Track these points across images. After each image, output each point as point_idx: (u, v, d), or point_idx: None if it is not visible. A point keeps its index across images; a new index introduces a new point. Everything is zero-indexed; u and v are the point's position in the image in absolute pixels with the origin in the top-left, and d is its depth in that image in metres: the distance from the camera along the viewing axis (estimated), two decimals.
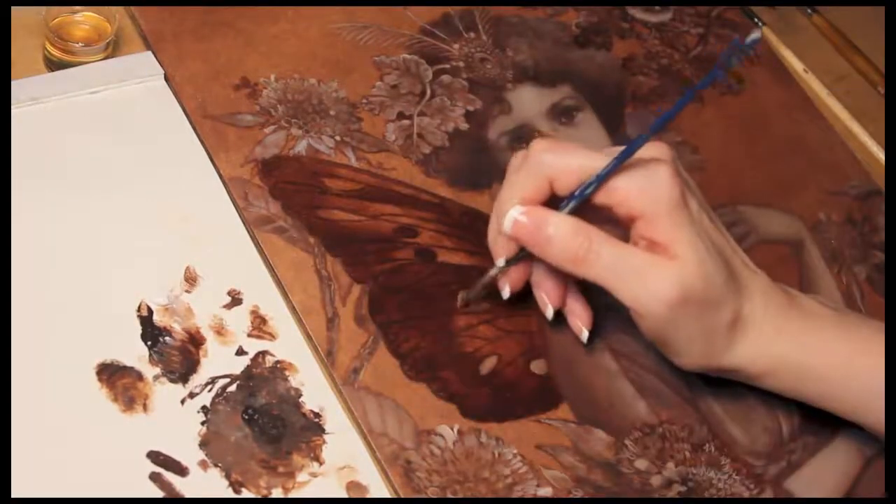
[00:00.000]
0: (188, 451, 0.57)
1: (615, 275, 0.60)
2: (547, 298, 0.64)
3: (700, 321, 0.60)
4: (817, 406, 0.63)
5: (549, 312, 0.64)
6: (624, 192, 0.60)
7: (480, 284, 0.64)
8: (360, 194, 0.69)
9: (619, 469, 0.62)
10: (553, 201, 0.62)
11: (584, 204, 0.61)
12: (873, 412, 0.61)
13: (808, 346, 0.62)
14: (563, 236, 0.60)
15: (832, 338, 0.62)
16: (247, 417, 0.59)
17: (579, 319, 0.65)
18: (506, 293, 0.64)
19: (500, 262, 0.63)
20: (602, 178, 0.60)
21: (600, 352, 0.66)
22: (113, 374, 0.59)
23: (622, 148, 0.60)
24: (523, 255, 0.63)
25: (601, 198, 0.60)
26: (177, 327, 0.61)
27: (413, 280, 0.66)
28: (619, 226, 0.61)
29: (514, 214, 0.61)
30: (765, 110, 0.82)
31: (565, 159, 0.61)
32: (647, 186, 0.60)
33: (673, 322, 0.60)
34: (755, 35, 0.58)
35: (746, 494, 0.63)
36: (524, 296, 0.66)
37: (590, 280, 0.60)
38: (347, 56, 0.75)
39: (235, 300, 0.63)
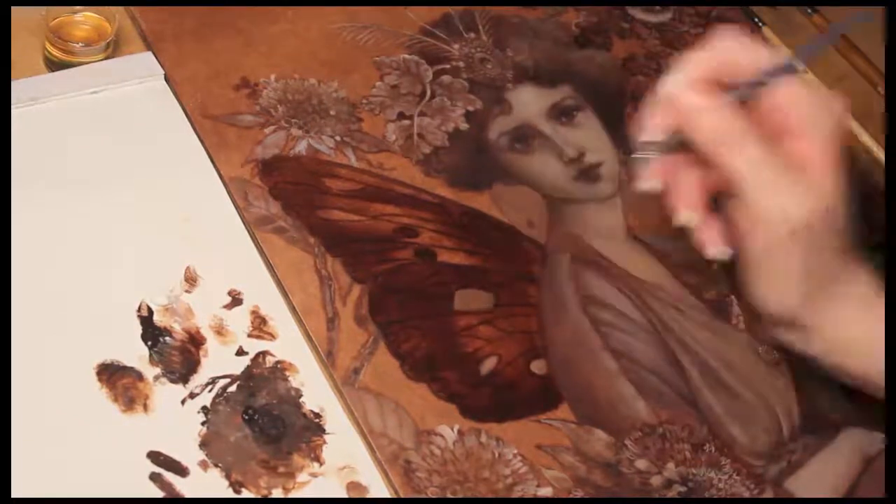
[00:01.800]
0: (188, 452, 0.57)
1: (754, 173, 0.56)
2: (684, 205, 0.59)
3: (811, 256, 0.57)
4: (863, 388, 0.61)
5: (684, 217, 0.59)
6: (792, 102, 0.57)
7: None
8: (361, 194, 0.69)
9: (619, 469, 0.62)
10: None
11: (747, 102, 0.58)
12: None
13: (875, 328, 0.59)
14: (719, 118, 0.56)
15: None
16: (247, 418, 0.59)
17: (718, 234, 0.60)
18: (651, 185, 0.59)
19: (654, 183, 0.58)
20: (776, 75, 0.57)
21: (600, 352, 0.66)
22: (113, 375, 0.59)
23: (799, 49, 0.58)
24: (669, 143, 0.58)
25: (766, 101, 0.57)
26: (177, 327, 0.61)
27: (413, 280, 0.66)
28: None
29: (679, 78, 0.58)
30: None
31: (743, 50, 0.58)
32: (816, 106, 0.57)
33: (785, 247, 0.57)
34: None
35: (746, 494, 0.63)
36: (524, 296, 0.66)
37: (730, 173, 0.56)
38: (347, 56, 0.75)
39: (236, 300, 0.63)
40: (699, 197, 0.59)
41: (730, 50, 0.58)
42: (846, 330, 0.60)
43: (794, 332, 0.61)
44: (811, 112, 0.57)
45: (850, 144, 0.61)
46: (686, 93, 0.57)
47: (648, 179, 0.59)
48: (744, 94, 0.57)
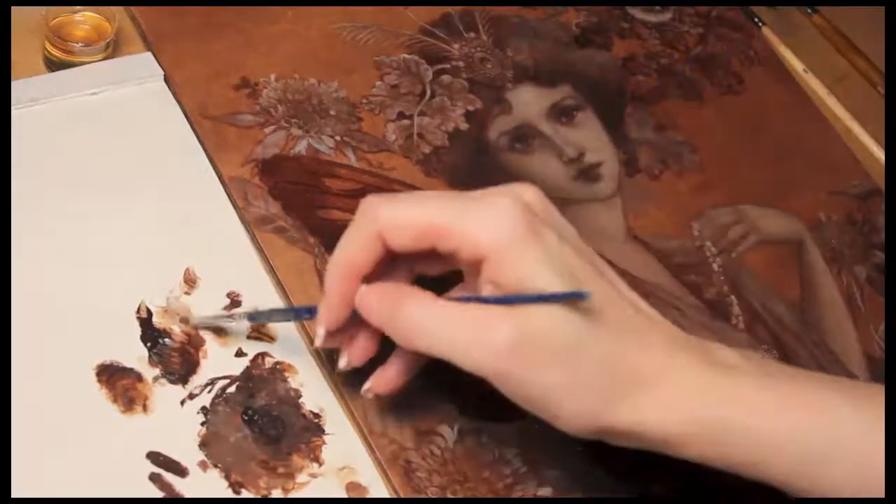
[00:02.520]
0: (188, 452, 0.58)
1: (439, 337, 0.51)
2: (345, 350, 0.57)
3: (561, 370, 0.50)
4: (751, 476, 0.53)
5: (342, 363, 0.57)
6: (462, 233, 0.52)
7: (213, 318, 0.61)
8: (361, 194, 0.69)
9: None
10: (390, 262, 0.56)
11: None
12: (822, 476, 0.52)
13: (732, 401, 0.51)
14: (370, 301, 0.54)
15: (760, 388, 0.52)
16: (246, 418, 0.59)
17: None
18: (342, 364, 0.58)
19: (320, 335, 0.56)
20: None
21: None
22: (113, 375, 0.59)
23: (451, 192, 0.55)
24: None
25: (446, 245, 0.52)
26: (176, 329, 0.61)
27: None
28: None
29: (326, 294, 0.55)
30: (765, 110, 0.82)
31: (394, 212, 0.54)
32: (485, 221, 0.51)
33: (522, 377, 0.51)
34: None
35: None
36: None
37: (425, 353, 0.53)
38: (347, 56, 0.75)
39: (235, 302, 0.63)
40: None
41: (380, 218, 0.54)
42: (676, 420, 0.52)
43: (627, 441, 0.53)
44: (481, 234, 0.52)
45: None
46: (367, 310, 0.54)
47: (342, 360, 0.57)
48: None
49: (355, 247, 0.55)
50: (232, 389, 0.60)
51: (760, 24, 0.87)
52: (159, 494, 0.56)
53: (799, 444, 0.51)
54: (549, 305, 0.50)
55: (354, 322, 0.56)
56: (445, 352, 0.52)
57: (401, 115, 0.73)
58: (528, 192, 0.54)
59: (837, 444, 0.51)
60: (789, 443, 0.51)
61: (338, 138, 0.71)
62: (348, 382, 0.61)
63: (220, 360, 0.61)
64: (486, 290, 0.52)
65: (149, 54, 0.71)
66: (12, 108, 0.66)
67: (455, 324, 0.51)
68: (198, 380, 0.60)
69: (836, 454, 0.51)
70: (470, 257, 0.52)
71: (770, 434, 0.51)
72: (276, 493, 0.57)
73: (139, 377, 0.59)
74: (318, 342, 0.56)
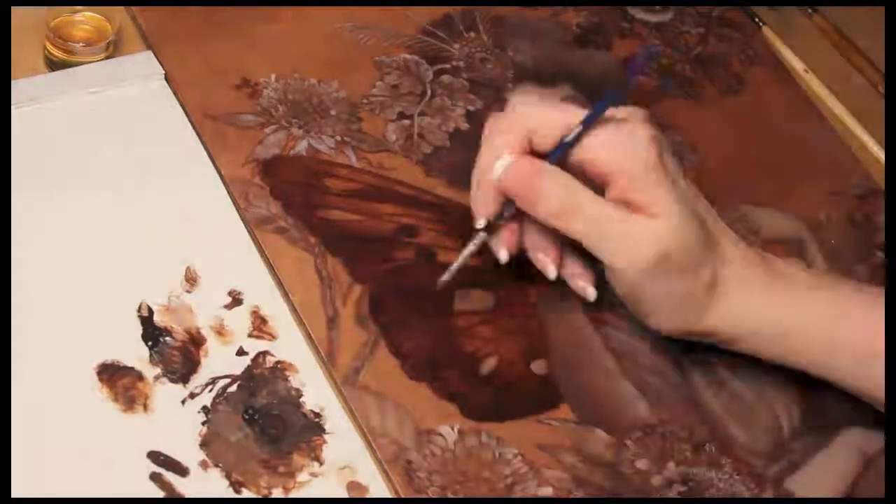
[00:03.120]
0: (188, 452, 0.57)
1: (597, 231, 0.59)
2: (545, 257, 0.63)
3: (676, 282, 0.60)
4: (798, 367, 0.63)
5: (551, 272, 0.63)
6: (601, 149, 0.60)
7: (462, 256, 0.63)
8: (361, 194, 0.69)
9: (619, 469, 0.62)
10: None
11: (561, 161, 0.60)
12: (854, 376, 0.62)
13: (786, 307, 0.61)
14: (552, 187, 0.60)
15: (809, 299, 0.62)
16: (247, 417, 0.59)
17: (581, 279, 0.64)
18: (503, 256, 0.63)
19: (481, 222, 0.62)
20: (584, 129, 0.59)
21: (600, 352, 0.66)
22: (113, 374, 0.59)
23: (598, 103, 0.60)
24: (505, 216, 0.62)
25: (579, 154, 0.60)
26: (177, 327, 0.61)
27: (413, 280, 0.66)
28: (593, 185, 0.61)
29: (503, 163, 0.61)
30: (765, 110, 0.82)
31: (545, 114, 0.61)
32: (625, 144, 0.60)
33: (649, 282, 0.60)
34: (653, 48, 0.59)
35: (746, 494, 0.63)
36: (524, 296, 0.66)
37: (571, 235, 0.60)
38: (348, 56, 0.75)
39: (236, 300, 0.63)
40: (555, 250, 0.63)
41: (530, 117, 0.61)
42: (745, 322, 0.62)
43: (704, 339, 0.63)
44: (620, 154, 0.60)
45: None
46: (514, 175, 0.60)
47: (501, 251, 0.63)
48: (558, 155, 0.60)
49: (508, 139, 0.61)
50: (233, 388, 0.60)
51: (760, 24, 0.87)
52: (160, 494, 0.56)
53: (844, 345, 0.61)
54: (682, 229, 0.59)
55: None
56: (594, 245, 0.60)
57: (401, 115, 0.73)
58: (646, 113, 0.61)
59: (870, 349, 0.60)
60: (831, 344, 0.61)
61: (338, 138, 0.71)
62: (348, 381, 0.61)
63: (221, 359, 0.61)
64: (614, 204, 0.59)
65: (149, 54, 0.71)
66: (12, 107, 0.66)
67: (610, 225, 0.59)
68: (198, 379, 0.60)
69: (865, 356, 0.61)
70: (602, 170, 0.60)
71: (816, 336, 0.61)
72: (277, 493, 0.57)
73: (140, 376, 0.59)
74: (480, 224, 0.63)
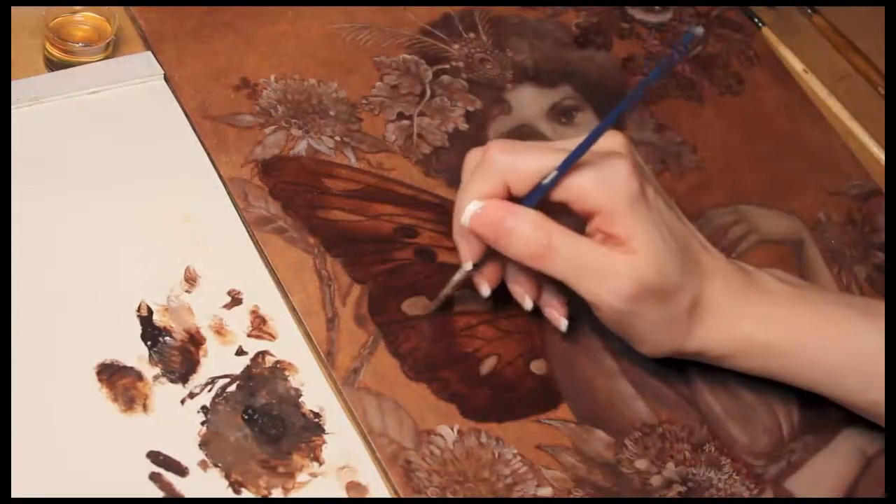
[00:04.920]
0: (188, 451, 0.57)
1: (574, 270, 0.60)
2: (521, 290, 0.64)
3: (659, 310, 0.60)
4: (786, 382, 0.64)
5: (528, 304, 0.64)
6: (581, 188, 0.59)
7: (449, 287, 0.64)
8: (360, 194, 0.69)
9: (619, 469, 0.62)
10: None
11: (542, 201, 0.60)
12: (841, 385, 0.62)
13: (771, 323, 0.62)
14: (523, 230, 0.59)
15: (793, 314, 0.62)
16: (247, 417, 0.59)
17: (555, 310, 0.65)
18: (485, 292, 0.64)
19: (468, 265, 0.63)
20: (561, 173, 0.59)
21: (600, 352, 0.66)
22: (113, 374, 0.59)
23: (579, 140, 0.59)
24: (489, 255, 0.62)
25: (559, 194, 0.60)
26: (177, 327, 0.61)
27: (413, 280, 0.66)
28: (575, 219, 0.61)
29: (472, 208, 0.61)
30: (765, 110, 0.82)
31: (520, 161, 0.60)
32: (605, 181, 0.59)
33: (631, 314, 0.60)
34: (698, 30, 0.59)
35: (746, 494, 0.63)
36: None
37: (551, 275, 0.60)
38: (347, 56, 0.75)
39: (235, 300, 0.63)
40: (532, 282, 0.64)
41: (505, 167, 0.61)
42: (730, 341, 0.62)
43: (692, 358, 0.64)
44: (601, 192, 0.59)
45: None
46: (484, 220, 0.60)
47: (483, 287, 0.64)
48: (536, 198, 0.60)
49: (482, 188, 0.61)
50: (232, 388, 0.60)
51: (760, 24, 0.87)
52: (159, 494, 0.56)
53: (825, 360, 0.62)
54: (661, 260, 0.59)
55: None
56: (574, 284, 0.60)
57: (400, 116, 0.73)
58: (628, 143, 0.61)
59: (856, 361, 0.62)
60: (817, 359, 0.62)
61: (338, 139, 0.71)
62: (348, 381, 0.61)
63: (221, 359, 0.61)
64: (597, 238, 0.60)
65: (149, 54, 0.71)
66: (12, 107, 0.66)
67: (586, 258, 0.59)
68: (198, 379, 0.60)
69: (853, 369, 0.62)
70: (584, 209, 0.60)
71: (802, 351, 0.62)
72: (276, 493, 0.57)
73: (139, 376, 0.59)
74: (467, 268, 0.63)
